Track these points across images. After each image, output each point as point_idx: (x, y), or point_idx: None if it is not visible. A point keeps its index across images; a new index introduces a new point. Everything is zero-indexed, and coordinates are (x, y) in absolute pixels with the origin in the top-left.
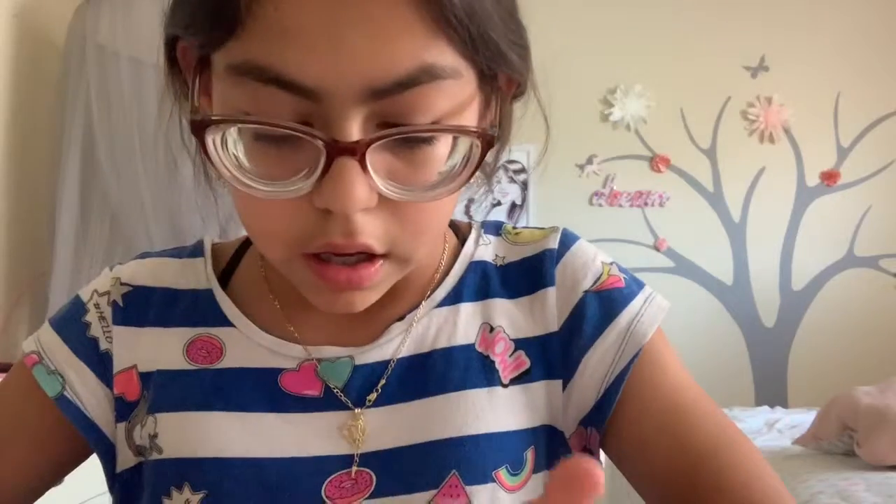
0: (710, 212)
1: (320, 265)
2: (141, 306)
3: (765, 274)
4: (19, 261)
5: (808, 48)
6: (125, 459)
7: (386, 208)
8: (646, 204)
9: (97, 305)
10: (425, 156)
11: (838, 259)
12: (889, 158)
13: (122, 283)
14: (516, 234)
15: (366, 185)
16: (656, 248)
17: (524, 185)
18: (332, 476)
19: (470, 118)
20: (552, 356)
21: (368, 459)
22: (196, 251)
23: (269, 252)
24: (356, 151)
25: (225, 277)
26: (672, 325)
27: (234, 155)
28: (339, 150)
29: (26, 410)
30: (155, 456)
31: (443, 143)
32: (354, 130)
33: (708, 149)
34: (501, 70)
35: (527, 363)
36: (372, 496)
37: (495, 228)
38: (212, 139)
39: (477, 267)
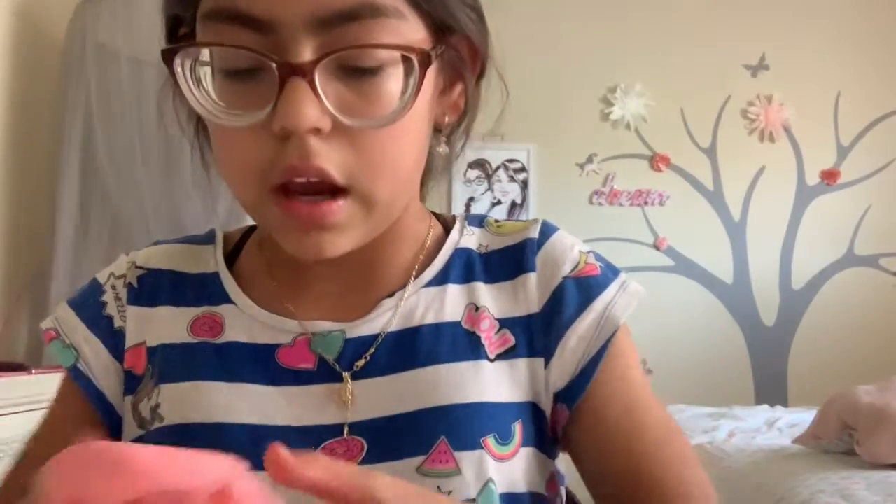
0: (710, 211)
1: (286, 201)
2: (154, 287)
3: (765, 273)
4: (19, 261)
5: (808, 47)
6: (130, 431)
7: (342, 138)
8: (646, 203)
9: (114, 287)
10: (374, 88)
11: (838, 258)
12: (889, 157)
13: (137, 266)
14: (498, 226)
15: (316, 105)
16: (656, 247)
17: (524, 184)
18: (324, 444)
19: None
20: (535, 335)
21: (359, 428)
22: (208, 239)
23: (242, 193)
24: (306, 72)
25: (230, 261)
26: (672, 324)
27: (204, 90)
28: (290, 70)
29: (66, 394)
30: (156, 425)
31: (392, 78)
32: (305, 55)
33: (708, 148)
34: (453, 26)
35: (512, 340)
36: (363, 463)
37: (479, 220)
38: (180, 65)
39: (462, 253)
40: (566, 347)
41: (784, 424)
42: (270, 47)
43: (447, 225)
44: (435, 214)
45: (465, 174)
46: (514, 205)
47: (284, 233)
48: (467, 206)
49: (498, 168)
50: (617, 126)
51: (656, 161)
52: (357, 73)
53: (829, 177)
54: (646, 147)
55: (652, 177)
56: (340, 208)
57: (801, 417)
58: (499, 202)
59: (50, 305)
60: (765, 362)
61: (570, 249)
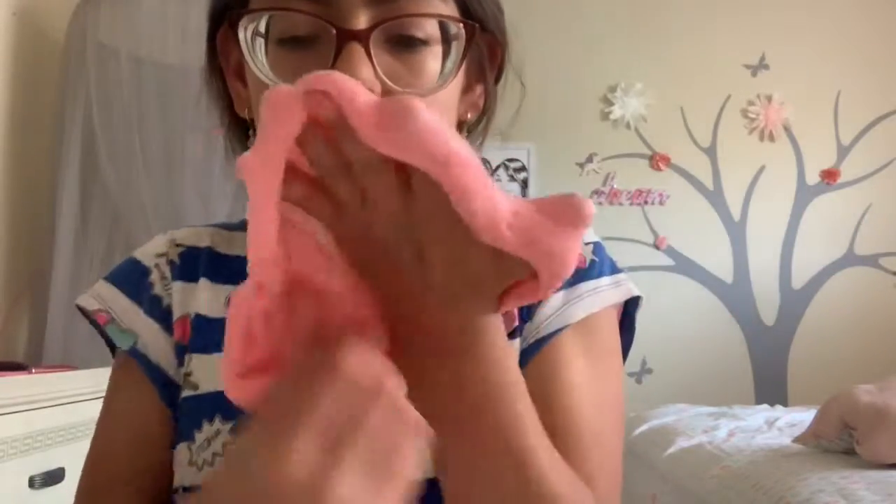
0: (710, 210)
1: None
2: (194, 263)
3: (765, 272)
4: (19, 261)
5: (808, 46)
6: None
7: None
8: (646, 202)
9: (157, 265)
10: (420, 60)
11: (838, 257)
12: (889, 157)
13: (176, 244)
14: None
15: (370, 69)
16: (656, 247)
17: (524, 184)
18: None
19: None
20: (525, 317)
21: None
22: (241, 226)
23: None
24: (362, 38)
25: None
26: (672, 323)
27: (259, 59)
28: (347, 35)
29: (124, 371)
30: (190, 392)
31: (436, 54)
32: (361, 24)
33: (708, 147)
34: (481, 16)
35: (517, 321)
36: None
37: None
38: (244, 30)
39: None
40: (534, 318)
41: (784, 424)
42: (328, 17)
43: None
44: None
45: None
46: None
47: None
48: None
49: (498, 167)
50: (617, 125)
51: (656, 160)
52: (405, 47)
53: (830, 176)
54: (646, 146)
55: (652, 176)
56: None
57: (800, 417)
58: None
59: (50, 305)
60: (765, 362)
61: None
